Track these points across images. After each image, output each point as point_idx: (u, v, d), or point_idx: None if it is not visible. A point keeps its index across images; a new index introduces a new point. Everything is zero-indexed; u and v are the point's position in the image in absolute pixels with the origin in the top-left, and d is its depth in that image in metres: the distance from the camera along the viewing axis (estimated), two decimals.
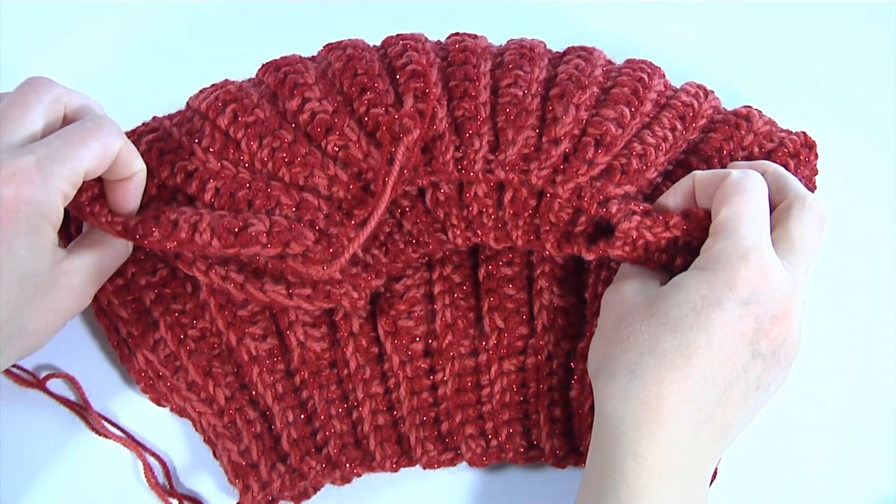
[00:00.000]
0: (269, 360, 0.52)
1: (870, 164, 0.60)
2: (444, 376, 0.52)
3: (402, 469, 0.52)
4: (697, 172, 0.48)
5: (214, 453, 0.52)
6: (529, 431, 0.53)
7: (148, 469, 0.51)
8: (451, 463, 0.52)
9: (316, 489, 0.52)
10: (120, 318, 0.52)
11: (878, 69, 0.63)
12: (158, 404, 0.52)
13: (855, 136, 0.61)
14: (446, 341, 0.53)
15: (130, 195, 0.48)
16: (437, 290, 0.53)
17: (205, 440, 0.52)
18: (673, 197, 0.49)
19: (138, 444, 0.52)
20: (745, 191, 0.46)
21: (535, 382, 0.53)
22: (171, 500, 0.51)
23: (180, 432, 0.53)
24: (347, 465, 0.51)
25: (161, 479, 0.52)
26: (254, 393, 0.52)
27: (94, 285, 0.48)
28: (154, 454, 0.52)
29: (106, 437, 0.52)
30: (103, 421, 0.52)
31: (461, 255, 0.54)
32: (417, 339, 0.53)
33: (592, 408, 0.52)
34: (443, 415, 0.52)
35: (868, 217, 0.59)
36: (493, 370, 0.53)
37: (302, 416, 0.52)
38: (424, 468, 0.52)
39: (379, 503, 0.53)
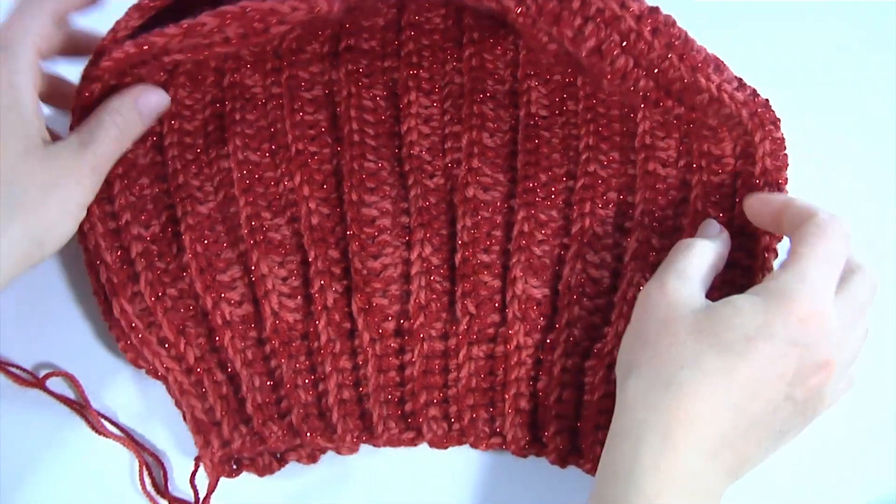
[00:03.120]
0: (243, 326, 0.53)
1: (870, 164, 0.60)
2: (413, 357, 0.53)
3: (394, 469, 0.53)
4: (780, 198, 0.49)
5: (177, 406, 0.52)
6: (494, 419, 0.53)
7: (143, 471, 0.52)
8: (413, 443, 0.53)
9: (281, 463, 0.53)
10: (103, 262, 0.52)
11: (878, 68, 0.62)
12: (136, 365, 0.53)
13: (855, 136, 0.60)
14: (418, 322, 0.53)
15: None
16: (414, 270, 0.54)
17: (175, 403, 0.53)
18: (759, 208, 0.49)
19: (137, 443, 0.53)
20: (829, 238, 0.45)
21: (502, 371, 0.53)
22: (165, 501, 0.52)
23: (181, 432, 0.54)
24: (308, 433, 0.51)
25: (159, 479, 0.53)
26: (223, 357, 0.52)
27: (88, 185, 0.47)
28: (152, 454, 0.53)
29: (105, 436, 0.53)
30: (103, 420, 0.53)
31: (441, 237, 0.54)
32: (390, 318, 0.53)
33: (558, 399, 0.52)
34: (408, 395, 0.53)
35: (870, 216, 0.58)
36: (461, 355, 0.53)
37: (269, 383, 0.52)
38: (385, 446, 0.53)
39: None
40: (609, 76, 0.49)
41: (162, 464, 0.53)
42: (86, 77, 0.50)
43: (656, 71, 0.48)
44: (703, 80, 0.48)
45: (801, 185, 0.53)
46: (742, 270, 0.52)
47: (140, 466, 0.52)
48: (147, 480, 0.52)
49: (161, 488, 0.53)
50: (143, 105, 0.50)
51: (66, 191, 0.46)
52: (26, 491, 0.53)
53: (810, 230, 0.46)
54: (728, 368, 0.43)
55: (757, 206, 0.50)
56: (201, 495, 0.52)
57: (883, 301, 0.56)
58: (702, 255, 0.48)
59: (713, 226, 0.51)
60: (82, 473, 0.53)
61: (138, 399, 0.54)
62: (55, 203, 0.45)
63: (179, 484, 0.54)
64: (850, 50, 0.61)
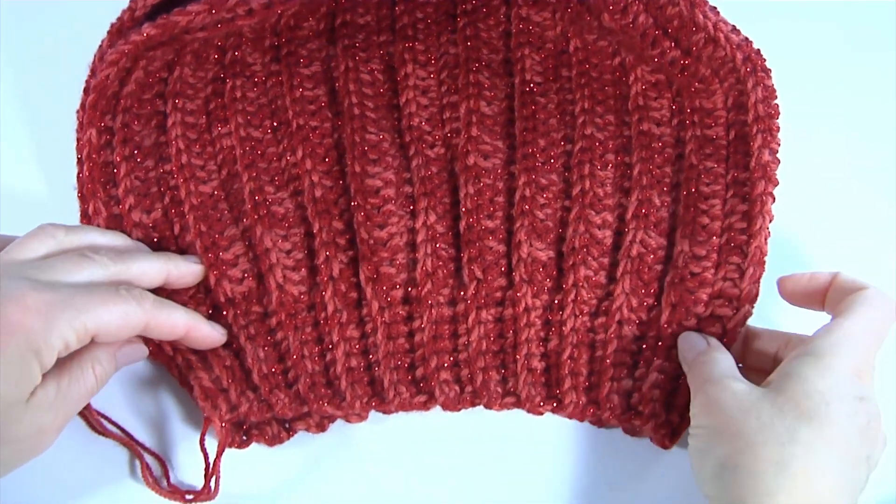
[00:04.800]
0: (245, 302, 0.52)
1: (870, 164, 0.60)
2: (422, 323, 0.52)
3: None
4: (826, 274, 0.50)
5: (190, 392, 0.52)
6: (506, 380, 0.52)
7: (146, 468, 0.51)
8: (425, 406, 0.52)
9: (290, 432, 0.52)
10: None
11: (877, 67, 0.63)
12: None
13: (855, 134, 0.60)
14: (426, 289, 0.53)
15: (197, 342, 0.51)
16: (419, 238, 0.54)
17: (180, 383, 0.52)
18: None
19: (137, 442, 0.52)
20: (875, 308, 0.47)
21: (512, 333, 0.53)
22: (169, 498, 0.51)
23: (179, 432, 0.53)
24: (316, 402, 0.50)
25: (160, 478, 0.52)
26: (228, 333, 0.52)
27: (59, 425, 0.47)
28: (153, 453, 0.52)
29: (105, 436, 0.52)
30: (102, 420, 0.52)
31: (445, 206, 0.55)
32: (398, 286, 0.53)
33: (570, 357, 0.52)
34: (418, 360, 0.52)
35: (869, 215, 0.59)
36: (470, 319, 0.53)
37: (274, 355, 0.52)
38: (397, 411, 0.52)
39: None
40: (611, 7, 0.50)
41: (163, 462, 0.52)
42: (103, 59, 0.51)
43: (656, 7, 0.50)
44: (700, 17, 0.50)
45: (799, 184, 0.54)
46: (741, 216, 0.52)
47: (142, 466, 0.51)
48: (149, 480, 0.51)
49: (164, 486, 0.51)
50: (122, 357, 0.49)
51: (39, 434, 0.46)
52: (26, 491, 0.51)
53: (857, 300, 0.47)
54: (823, 435, 0.43)
55: (801, 282, 0.50)
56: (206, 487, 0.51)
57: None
58: (727, 359, 0.49)
59: (698, 339, 0.51)
60: (82, 473, 0.52)
61: (138, 399, 0.53)
62: (27, 438, 0.45)
63: (182, 481, 0.52)
64: (850, 50, 0.62)
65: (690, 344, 0.51)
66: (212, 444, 0.51)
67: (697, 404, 0.48)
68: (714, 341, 0.51)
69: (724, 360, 0.49)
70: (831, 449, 0.43)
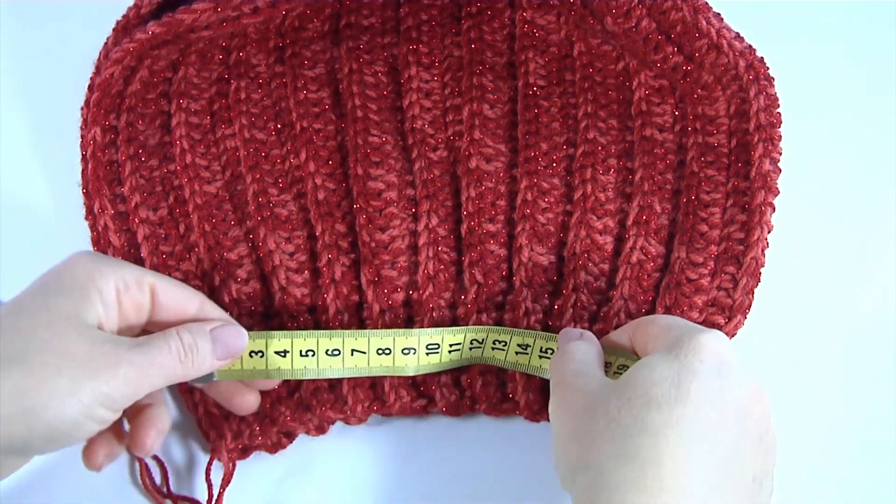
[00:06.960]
0: (249, 302, 0.53)
1: (869, 163, 0.60)
2: (422, 327, 0.53)
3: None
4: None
5: (188, 405, 0.52)
6: (504, 385, 0.53)
7: (144, 471, 0.51)
8: (425, 411, 0.53)
9: (290, 438, 0.53)
10: (111, 244, 0.53)
11: (877, 67, 0.62)
12: None
13: (854, 135, 0.60)
14: (427, 293, 0.53)
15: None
16: (421, 241, 0.54)
17: (180, 391, 0.52)
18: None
19: None
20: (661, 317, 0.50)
21: None
22: (167, 502, 0.52)
23: (179, 433, 0.53)
24: (319, 407, 0.51)
25: (159, 481, 0.52)
26: None
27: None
28: (153, 457, 0.52)
29: None
30: None
31: (447, 209, 0.55)
32: (399, 289, 0.54)
33: None
34: None
35: (868, 217, 0.59)
36: (470, 323, 0.53)
37: None
38: (397, 414, 0.53)
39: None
40: (614, 10, 0.50)
41: (162, 464, 0.52)
42: (108, 57, 0.51)
43: (659, 12, 0.50)
44: (703, 23, 0.50)
45: (798, 184, 0.54)
46: (739, 226, 0.53)
47: (141, 467, 0.51)
48: (148, 485, 0.52)
49: (162, 490, 0.52)
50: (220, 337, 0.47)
51: (93, 376, 0.42)
52: (25, 491, 0.52)
53: (648, 318, 0.49)
54: (675, 419, 0.40)
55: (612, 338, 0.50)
56: (200, 496, 0.52)
57: (883, 302, 0.57)
58: (585, 350, 0.47)
59: (572, 331, 0.50)
60: (81, 474, 0.51)
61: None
62: (64, 382, 0.41)
63: (180, 484, 0.53)
64: (851, 50, 0.62)
65: (564, 336, 0.49)
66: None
67: (551, 411, 0.45)
68: (588, 334, 0.49)
69: (580, 352, 0.47)
70: (687, 434, 0.40)
